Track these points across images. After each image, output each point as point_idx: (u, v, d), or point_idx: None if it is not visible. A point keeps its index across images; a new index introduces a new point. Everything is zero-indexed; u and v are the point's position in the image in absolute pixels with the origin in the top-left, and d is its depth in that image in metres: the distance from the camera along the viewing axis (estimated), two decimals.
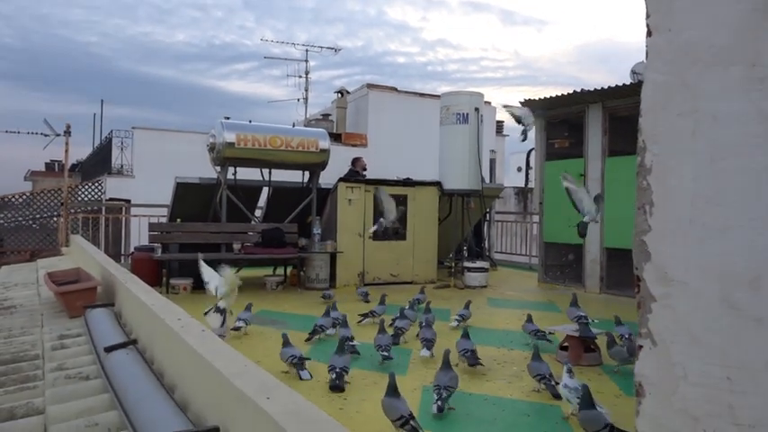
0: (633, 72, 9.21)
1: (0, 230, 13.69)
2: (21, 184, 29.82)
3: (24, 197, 14.75)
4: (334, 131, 16.46)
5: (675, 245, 1.30)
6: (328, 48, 20.00)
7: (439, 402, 3.27)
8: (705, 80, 1.25)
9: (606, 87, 7.62)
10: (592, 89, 7.82)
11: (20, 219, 14.02)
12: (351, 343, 4.51)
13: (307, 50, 19.76)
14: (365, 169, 10.41)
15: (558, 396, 3.49)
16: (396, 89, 17.35)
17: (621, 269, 8.06)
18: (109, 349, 2.54)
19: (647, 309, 1.35)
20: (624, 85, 7.43)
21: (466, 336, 4.35)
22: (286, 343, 4.14)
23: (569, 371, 3.26)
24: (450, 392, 3.33)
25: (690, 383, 1.27)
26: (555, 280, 9.02)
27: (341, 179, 8.69)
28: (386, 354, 4.26)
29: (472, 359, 4.14)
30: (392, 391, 2.99)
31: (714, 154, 1.23)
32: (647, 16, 1.36)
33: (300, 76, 19.74)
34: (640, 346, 1.39)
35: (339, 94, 17.89)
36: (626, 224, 7.61)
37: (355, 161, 10.56)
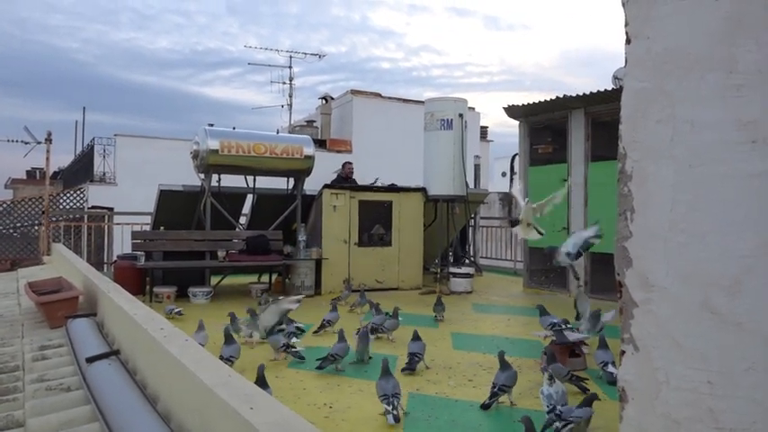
0: (615, 77, 9.32)
1: None
2: (1, 191, 29.50)
3: (5, 205, 14.56)
4: (319, 138, 16.46)
5: (656, 250, 1.31)
6: (312, 54, 19.99)
7: (395, 412, 3.22)
8: (683, 87, 1.26)
9: (588, 93, 7.69)
10: (574, 95, 7.88)
11: (0, 227, 13.83)
12: (295, 350, 4.57)
13: (291, 57, 19.74)
14: (350, 175, 10.40)
15: (485, 407, 3.48)
16: (380, 95, 17.40)
17: (605, 274, 8.11)
18: (91, 360, 2.50)
19: (629, 314, 1.36)
20: (606, 90, 7.51)
21: (416, 338, 4.38)
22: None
23: (550, 377, 3.25)
24: (398, 399, 3.30)
25: (672, 388, 1.28)
26: (540, 285, 9.07)
27: (326, 185, 8.68)
28: (328, 363, 4.26)
29: (410, 364, 4.24)
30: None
31: (692, 160, 1.24)
32: (626, 24, 1.38)
33: (284, 83, 19.72)
34: (623, 352, 1.39)
35: (323, 101, 17.90)
36: (609, 229, 7.66)
37: (344, 165, 10.57)
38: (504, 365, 3.60)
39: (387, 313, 5.72)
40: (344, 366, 4.35)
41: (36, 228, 13.61)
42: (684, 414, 1.27)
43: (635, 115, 1.35)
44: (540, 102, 8.47)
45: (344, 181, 10.10)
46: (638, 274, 1.34)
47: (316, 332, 5.53)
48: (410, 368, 4.21)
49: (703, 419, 1.24)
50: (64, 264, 6.27)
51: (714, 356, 1.22)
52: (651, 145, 1.31)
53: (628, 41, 1.38)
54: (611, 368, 3.98)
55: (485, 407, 3.48)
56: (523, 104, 8.75)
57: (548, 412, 3.09)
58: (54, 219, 11.94)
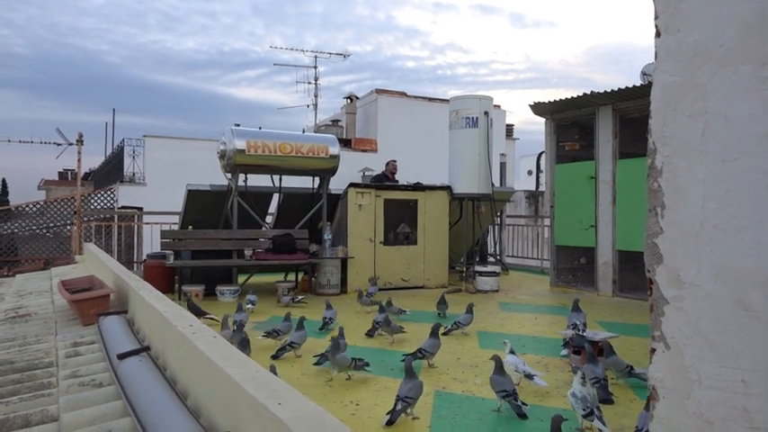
0: (643, 73, 9.17)
1: (14, 239, 13.83)
2: (34, 193, 30.19)
3: (38, 206, 14.90)
4: (344, 137, 16.52)
5: (687, 247, 1.29)
6: (337, 54, 20.07)
7: (390, 415, 3.18)
8: (715, 80, 1.24)
9: (616, 89, 7.58)
10: (602, 91, 7.78)
11: (34, 227, 14.16)
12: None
13: (316, 57, 19.85)
14: (393, 173, 10.40)
15: (522, 415, 3.31)
16: (405, 94, 17.38)
17: (634, 272, 8.01)
18: (122, 356, 2.55)
19: (660, 311, 1.34)
20: (634, 86, 7.40)
21: (434, 335, 4.37)
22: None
23: (583, 377, 3.16)
24: (409, 403, 3.21)
25: (704, 387, 1.26)
26: (567, 283, 8.98)
27: (352, 184, 8.71)
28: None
29: (411, 357, 4.14)
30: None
31: (725, 155, 1.22)
32: (656, 17, 1.36)
33: (310, 83, 19.84)
34: (653, 350, 1.37)
35: (348, 100, 17.95)
36: (638, 226, 7.57)
37: (388, 164, 10.59)
38: (500, 370, 3.49)
39: (400, 309, 5.82)
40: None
41: (68, 228, 13.90)
42: (717, 414, 1.25)
43: (665, 110, 1.33)
44: (566, 99, 8.37)
45: (387, 179, 10.13)
46: (670, 271, 1.32)
47: (321, 329, 5.57)
48: (407, 359, 4.16)
49: (737, 419, 1.21)
50: (95, 263, 6.39)
51: (748, 355, 1.20)
52: (682, 140, 1.28)
53: (657, 35, 1.36)
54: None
55: (523, 416, 3.33)
56: (550, 101, 8.66)
57: (585, 416, 3.02)
58: (85, 219, 12.18)
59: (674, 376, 1.31)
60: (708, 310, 1.25)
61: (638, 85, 7.46)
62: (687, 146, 1.28)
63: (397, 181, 10.23)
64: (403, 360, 4.21)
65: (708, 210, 1.24)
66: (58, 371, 2.79)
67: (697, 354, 1.27)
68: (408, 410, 3.26)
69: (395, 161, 10.65)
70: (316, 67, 19.86)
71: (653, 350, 1.37)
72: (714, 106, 1.24)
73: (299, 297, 7.26)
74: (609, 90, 7.67)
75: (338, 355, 4.01)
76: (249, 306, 6.14)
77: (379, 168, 10.92)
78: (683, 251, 1.30)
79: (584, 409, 3.01)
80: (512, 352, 3.95)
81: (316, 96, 19.81)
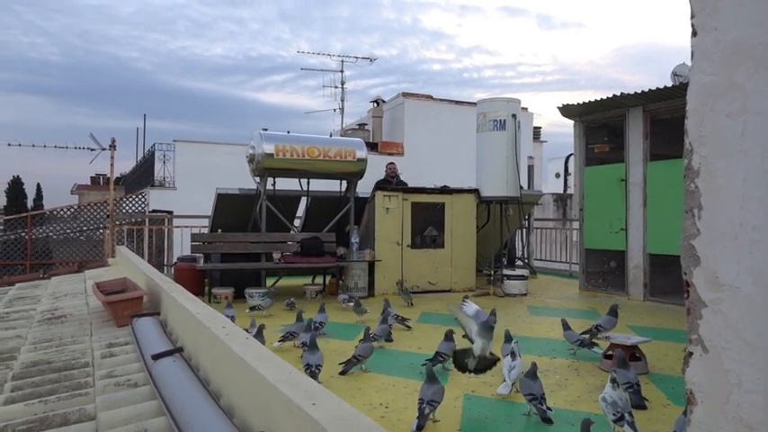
0: (674, 74, 9.02)
1: (49, 242, 14.16)
2: (67, 197, 30.80)
3: (71, 210, 15.21)
4: (371, 141, 16.56)
5: (726, 248, 1.27)
6: (363, 58, 20.13)
7: (419, 420, 3.16)
8: (754, 79, 1.22)
9: (647, 90, 7.47)
10: (632, 93, 7.68)
11: (67, 231, 14.47)
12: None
13: (342, 61, 19.94)
14: (393, 176, 10.19)
15: (547, 420, 3.29)
16: (431, 97, 17.37)
17: (665, 276, 7.87)
18: (156, 357, 2.59)
19: (698, 314, 1.32)
20: (665, 87, 7.28)
21: (449, 338, 4.38)
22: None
23: (613, 380, 3.11)
24: (434, 407, 3.22)
25: (744, 391, 1.23)
26: (597, 287, 8.86)
27: (378, 187, 8.72)
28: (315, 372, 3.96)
29: (435, 361, 4.22)
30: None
31: (765, 154, 1.20)
32: (692, 16, 1.34)
33: (336, 87, 19.94)
34: (690, 353, 1.35)
35: (375, 104, 18.00)
36: (669, 229, 7.45)
37: (386, 166, 10.50)
38: (532, 374, 3.47)
39: (397, 315, 5.94)
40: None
41: (100, 231, 14.18)
42: (757, 418, 1.23)
43: (702, 110, 1.31)
44: (596, 100, 8.28)
45: (387, 182, 10.03)
46: (707, 273, 1.30)
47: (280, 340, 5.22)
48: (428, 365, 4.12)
49: None
50: (127, 265, 6.50)
51: None
52: (720, 140, 1.27)
53: (694, 34, 1.34)
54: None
55: (548, 421, 3.32)
56: (579, 103, 8.57)
57: (615, 420, 2.98)
58: (118, 222, 12.40)
59: (713, 380, 1.29)
60: (747, 313, 1.23)
61: (670, 85, 7.34)
62: (725, 146, 1.26)
63: (405, 183, 10.04)
64: (424, 365, 4.19)
65: (747, 211, 1.22)
66: (94, 371, 2.85)
67: (736, 357, 1.25)
68: (432, 414, 3.26)
69: (393, 163, 10.53)
70: (342, 71, 19.97)
71: (690, 354, 1.35)
72: (753, 105, 1.22)
73: (291, 299, 7.28)
74: (639, 91, 7.57)
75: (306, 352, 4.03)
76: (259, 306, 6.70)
77: (405, 172, 10.87)
78: (722, 253, 1.28)
79: (614, 414, 2.98)
80: (512, 353, 3.92)
81: (342, 100, 19.91)
